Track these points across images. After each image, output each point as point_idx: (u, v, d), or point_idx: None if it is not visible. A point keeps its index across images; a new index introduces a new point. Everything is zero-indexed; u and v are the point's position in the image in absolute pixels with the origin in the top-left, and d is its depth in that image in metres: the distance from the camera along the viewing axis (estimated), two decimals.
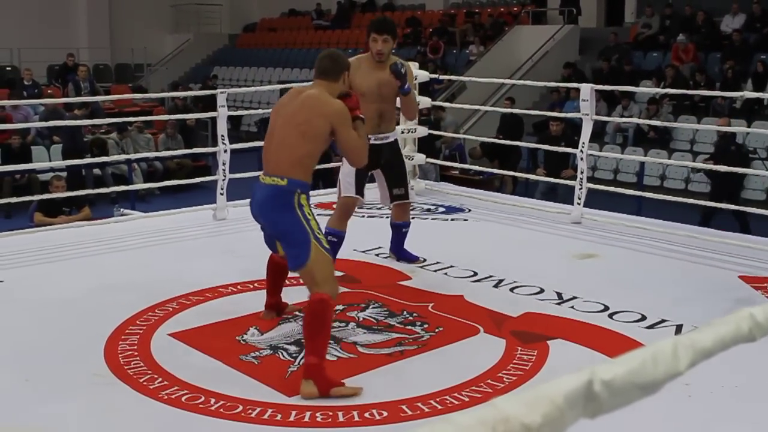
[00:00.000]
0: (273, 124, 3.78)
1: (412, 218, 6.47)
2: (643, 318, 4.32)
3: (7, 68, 18.70)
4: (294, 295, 4.39)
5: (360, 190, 4.98)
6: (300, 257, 3.52)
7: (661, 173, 13.07)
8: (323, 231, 4.05)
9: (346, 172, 4.94)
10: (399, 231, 5.34)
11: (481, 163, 12.69)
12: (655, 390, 0.99)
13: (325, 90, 3.75)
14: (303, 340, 3.57)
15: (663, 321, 4.27)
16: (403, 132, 7.48)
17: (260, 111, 11.48)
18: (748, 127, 12.08)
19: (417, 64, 7.60)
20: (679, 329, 4.19)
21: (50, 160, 12.53)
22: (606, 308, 4.47)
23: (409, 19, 21.38)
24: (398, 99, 5.08)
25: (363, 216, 6.64)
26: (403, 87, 4.81)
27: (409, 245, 5.44)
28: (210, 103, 7.66)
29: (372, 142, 4.79)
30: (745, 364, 3.16)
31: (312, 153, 3.65)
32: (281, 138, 3.67)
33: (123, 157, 10.68)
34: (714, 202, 7.83)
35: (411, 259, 5.34)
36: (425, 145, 9.47)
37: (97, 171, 12.71)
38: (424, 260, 5.34)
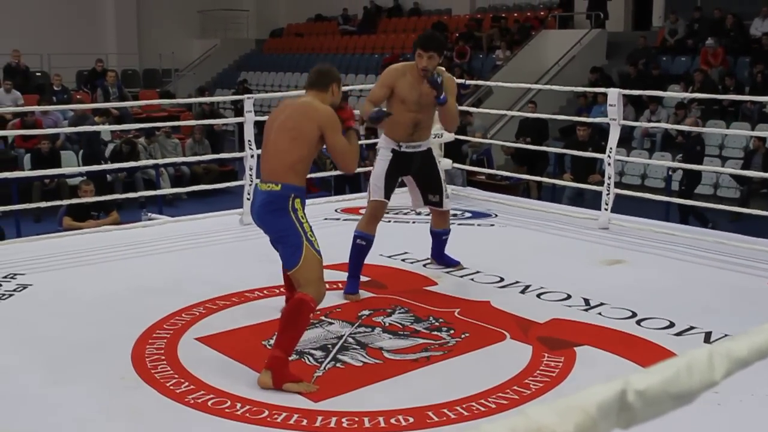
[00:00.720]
0: (267, 134, 3.88)
1: None
2: (672, 325, 4.28)
3: (37, 74, 18.87)
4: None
5: (389, 194, 4.98)
6: (293, 259, 3.66)
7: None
8: (356, 233, 4.86)
9: (376, 176, 4.96)
10: (439, 239, 5.32)
11: (508, 168, 12.65)
12: (690, 400, 0.98)
13: (315, 98, 3.87)
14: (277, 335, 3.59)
15: (692, 328, 4.23)
16: (434, 137, 7.48)
17: None
18: None
19: (443, 69, 7.58)
20: (708, 336, 4.14)
21: (79, 165, 12.63)
22: (634, 315, 4.43)
23: (435, 24, 21.34)
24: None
25: (389, 221, 6.64)
26: (438, 98, 4.76)
27: None
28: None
29: (404, 149, 4.94)
30: None
31: (303, 158, 3.75)
32: (274, 145, 3.79)
33: (151, 162, 10.73)
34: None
35: (451, 263, 5.33)
36: (452, 150, 9.45)
37: (123, 173, 12.80)
38: (459, 266, 5.34)
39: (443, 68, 5.03)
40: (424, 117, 4.93)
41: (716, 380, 1.01)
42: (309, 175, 9.32)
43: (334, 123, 3.78)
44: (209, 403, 3.34)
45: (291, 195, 3.68)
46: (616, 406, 0.91)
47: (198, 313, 4.43)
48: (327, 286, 4.86)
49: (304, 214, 3.72)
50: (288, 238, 3.68)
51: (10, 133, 12.15)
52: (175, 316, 4.36)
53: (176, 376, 3.61)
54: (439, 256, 5.37)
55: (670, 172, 11.55)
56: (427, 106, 4.90)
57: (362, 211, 7.01)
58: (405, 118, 4.87)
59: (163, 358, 3.81)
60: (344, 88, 10.65)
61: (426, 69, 4.77)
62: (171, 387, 3.49)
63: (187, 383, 3.53)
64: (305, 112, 3.78)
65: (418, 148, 4.98)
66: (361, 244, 4.85)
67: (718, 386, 1.06)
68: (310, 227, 3.72)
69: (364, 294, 4.80)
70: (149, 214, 7.59)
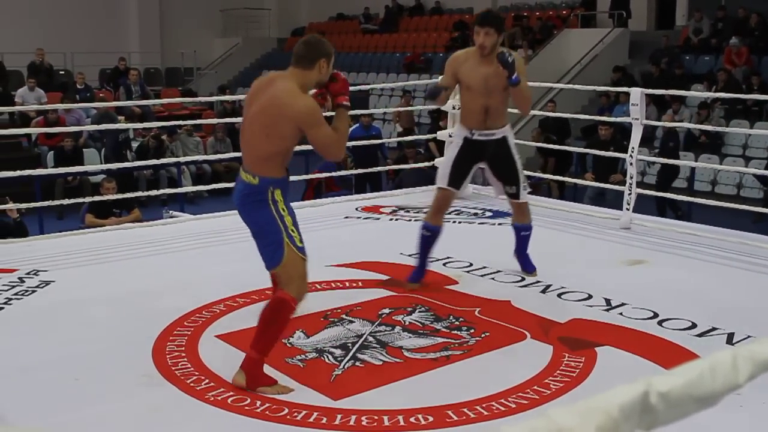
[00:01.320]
0: (245, 115, 3.61)
1: (459, 222, 6.46)
2: (694, 326, 4.25)
3: (61, 72, 19.01)
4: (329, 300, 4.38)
5: (455, 182, 4.84)
6: (274, 258, 3.52)
7: (712, 178, 12.86)
8: (422, 223, 4.90)
9: (444, 163, 4.91)
10: (518, 234, 5.12)
11: (529, 167, 12.58)
12: (713, 403, 0.97)
13: (296, 82, 3.50)
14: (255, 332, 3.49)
15: (713, 329, 4.20)
16: (450, 135, 7.47)
17: None
18: None
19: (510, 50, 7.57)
20: (730, 338, 4.11)
21: (101, 163, 12.71)
22: (655, 315, 4.41)
23: (456, 23, 21.32)
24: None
25: (410, 220, 6.64)
26: (510, 77, 4.54)
27: (454, 249, 5.41)
28: None
29: (476, 137, 4.78)
30: None
31: (280, 151, 3.50)
32: (249, 136, 3.55)
33: (172, 159, 10.78)
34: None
35: (526, 267, 5.15)
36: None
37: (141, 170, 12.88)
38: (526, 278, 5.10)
39: (510, 49, 4.77)
40: (494, 102, 4.70)
41: (740, 383, 1.00)
42: (330, 174, 9.28)
43: (313, 118, 3.45)
44: (229, 401, 3.35)
45: (269, 188, 3.49)
46: (638, 408, 0.90)
47: (218, 311, 4.44)
48: (347, 284, 4.90)
49: (286, 206, 3.51)
50: (268, 234, 3.51)
51: (33, 130, 12.25)
52: (196, 313, 4.38)
53: (197, 373, 3.62)
54: (518, 254, 5.17)
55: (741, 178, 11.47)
56: (495, 90, 4.70)
57: (383, 210, 7.03)
58: (474, 104, 4.73)
59: (183, 355, 3.82)
60: (365, 87, 10.66)
61: (483, 46, 4.60)
62: (192, 384, 3.51)
63: (207, 380, 3.54)
64: (280, 109, 3.43)
65: (492, 136, 4.78)
66: (425, 234, 4.85)
67: (741, 388, 1.05)
68: (293, 220, 3.52)
69: (384, 293, 4.80)
70: (170, 211, 7.62)
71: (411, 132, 13.86)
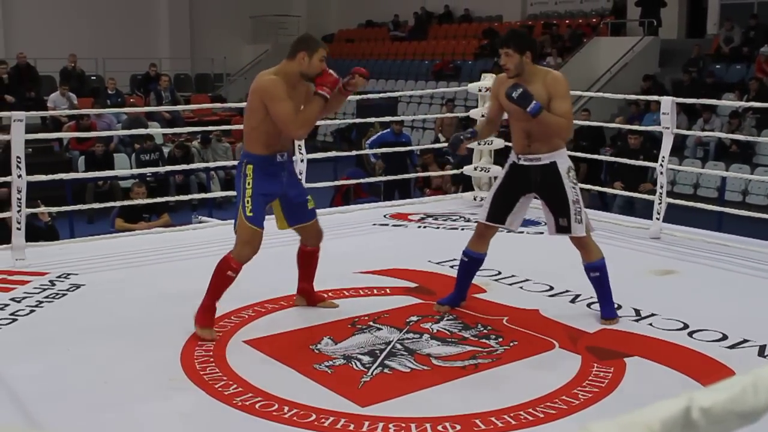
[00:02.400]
0: None
1: None
2: (725, 337, 4.20)
3: (92, 78, 19.21)
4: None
5: (496, 214, 4.46)
6: (234, 220, 4.14)
7: (743, 188, 12.74)
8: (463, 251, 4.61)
9: (489, 193, 4.58)
10: (588, 276, 4.48)
11: None
12: (755, 419, 0.95)
13: (278, 68, 4.08)
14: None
15: (745, 341, 4.15)
16: (479, 144, 7.46)
17: (336, 121, 11.55)
18: None
19: (494, 76, 7.55)
20: (762, 350, 4.06)
21: (132, 168, 12.82)
22: (685, 326, 4.37)
23: (486, 31, 21.30)
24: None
25: (438, 228, 6.63)
26: (526, 110, 4.15)
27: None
28: None
29: (521, 162, 4.38)
30: None
31: (254, 126, 4.05)
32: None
33: (202, 165, 10.85)
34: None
35: (606, 313, 4.46)
36: (505, 157, 9.39)
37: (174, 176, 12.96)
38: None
39: (549, 68, 4.48)
40: (535, 125, 4.23)
41: None
42: (358, 180, 9.33)
43: (271, 93, 3.94)
44: (257, 406, 3.36)
45: (244, 161, 4.09)
46: (680, 423, 0.89)
47: (247, 316, 4.46)
48: (375, 291, 4.89)
49: (252, 180, 4.05)
50: (237, 199, 4.13)
51: (65, 135, 12.37)
52: (224, 318, 4.39)
53: (225, 378, 3.63)
54: (600, 300, 4.51)
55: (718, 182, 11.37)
56: None
57: (411, 217, 7.03)
58: (516, 128, 4.39)
59: (211, 359, 3.84)
60: (394, 94, 10.69)
61: (506, 67, 4.29)
62: (219, 389, 3.52)
63: (235, 385, 3.55)
64: (253, 86, 4.04)
65: (537, 161, 4.32)
66: (463, 260, 4.62)
67: None
68: (252, 194, 4.05)
69: (412, 300, 4.79)
70: (199, 216, 7.67)
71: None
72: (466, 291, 4.70)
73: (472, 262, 4.61)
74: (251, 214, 4.04)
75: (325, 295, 4.70)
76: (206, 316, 4.11)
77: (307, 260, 4.57)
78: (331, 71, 4.10)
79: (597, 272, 4.43)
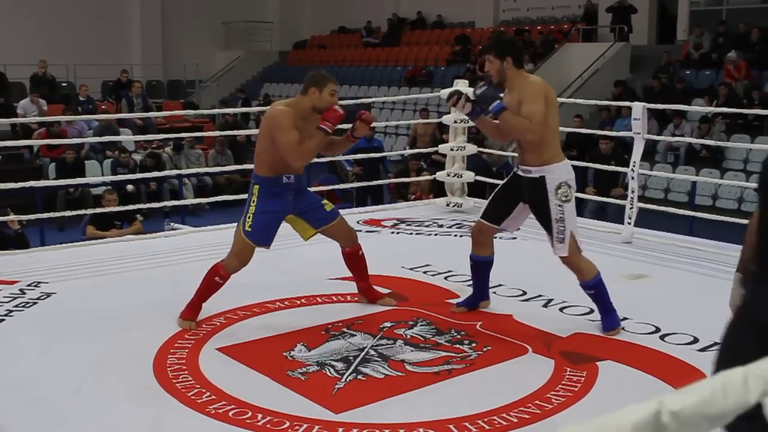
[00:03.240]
0: None
1: (460, 236, 6.45)
2: (696, 340, 4.24)
3: (63, 84, 19.05)
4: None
5: (492, 216, 4.45)
6: (235, 231, 4.48)
7: (713, 193, 12.88)
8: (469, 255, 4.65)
9: (493, 193, 4.58)
10: (587, 294, 4.45)
11: None
12: (724, 421, 0.96)
13: (294, 101, 4.42)
14: None
15: (715, 344, 4.15)
16: (451, 149, 7.48)
17: None
18: None
19: (466, 81, 7.59)
20: None
21: (103, 175, 12.73)
22: (657, 330, 4.40)
23: (458, 37, 21.40)
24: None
25: (411, 234, 6.64)
26: (488, 111, 4.20)
27: (456, 263, 5.39)
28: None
29: (518, 171, 4.33)
30: None
31: (262, 151, 4.39)
32: None
33: (174, 172, 10.79)
34: None
35: (606, 325, 4.38)
36: (478, 163, 9.40)
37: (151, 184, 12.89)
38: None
39: (527, 74, 4.32)
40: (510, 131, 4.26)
41: (751, 402, 0.99)
42: (331, 187, 9.34)
43: (278, 122, 4.25)
44: (230, 414, 3.34)
45: (252, 181, 4.45)
46: (650, 426, 0.89)
47: (219, 323, 4.44)
48: (348, 297, 4.89)
49: (256, 199, 4.38)
50: (242, 214, 4.45)
51: (35, 142, 12.26)
52: (197, 326, 4.37)
53: (198, 386, 3.61)
54: (600, 312, 4.44)
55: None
56: None
57: (384, 223, 7.03)
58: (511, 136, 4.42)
59: (184, 367, 3.82)
60: (366, 100, 10.72)
61: (489, 74, 4.27)
62: (192, 397, 3.50)
63: (208, 393, 3.53)
64: (266, 113, 4.40)
65: (528, 173, 4.24)
66: (471, 263, 4.68)
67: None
68: (255, 212, 4.37)
69: (386, 306, 4.79)
70: (172, 224, 7.63)
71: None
72: (481, 292, 4.74)
73: (476, 265, 4.67)
74: (249, 230, 4.37)
75: (385, 292, 4.88)
76: (190, 312, 4.44)
77: (352, 261, 4.74)
78: (337, 107, 4.36)
79: (592, 290, 4.37)
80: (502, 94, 4.24)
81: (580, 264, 4.34)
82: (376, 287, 4.93)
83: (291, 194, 4.43)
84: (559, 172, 4.21)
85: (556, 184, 4.19)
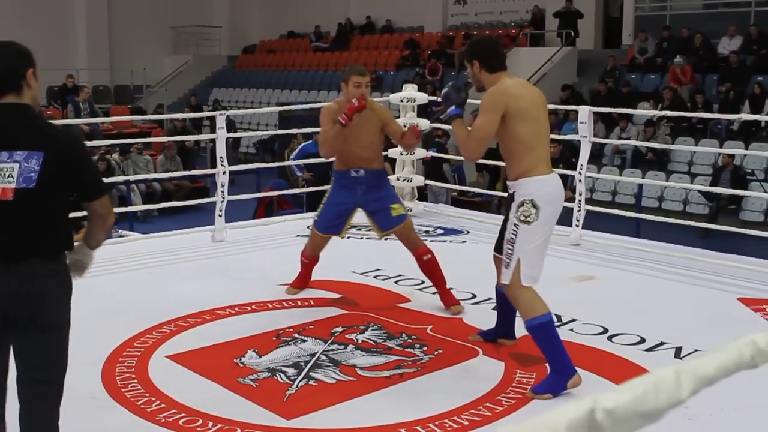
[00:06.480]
0: None
1: None
2: (642, 340, 4.31)
3: None
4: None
5: (497, 245, 4.06)
6: None
7: (659, 195, 13.08)
8: None
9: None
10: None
11: (480, 185, 12.70)
12: (657, 418, 0.99)
13: (342, 98, 4.84)
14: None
15: (662, 343, 4.26)
16: (401, 154, 7.51)
17: (259, 133, 11.48)
18: (746, 148, 12.13)
19: (415, 86, 7.62)
20: (678, 352, 4.18)
21: None
22: (605, 331, 4.46)
23: (407, 41, 21.45)
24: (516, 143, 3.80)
25: (361, 238, 6.64)
26: (431, 116, 4.15)
27: (406, 266, 5.41)
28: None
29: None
30: (745, 387, 3.15)
31: None
32: None
33: (122, 178, 10.67)
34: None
35: (537, 388, 3.67)
36: (434, 168, 9.45)
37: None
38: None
39: (501, 81, 3.83)
40: (501, 147, 3.87)
41: (683, 398, 1.02)
42: (282, 192, 9.32)
43: (321, 118, 4.71)
44: (181, 422, 3.32)
45: (332, 176, 4.94)
46: (585, 424, 0.92)
47: (169, 331, 4.40)
48: (299, 303, 4.89)
49: (329, 191, 4.89)
50: None
51: None
52: (146, 333, 4.33)
53: (147, 394, 3.58)
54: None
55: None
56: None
57: None
58: None
59: (133, 376, 3.78)
60: (316, 105, 10.83)
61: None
62: (142, 406, 3.47)
63: (158, 402, 3.50)
64: None
65: (511, 188, 3.83)
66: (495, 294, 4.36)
67: (688, 400, 1.08)
68: (325, 202, 4.87)
69: (336, 311, 4.79)
70: (120, 231, 7.54)
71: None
72: (506, 328, 4.26)
73: (498, 296, 4.26)
74: (316, 219, 4.90)
75: (457, 300, 4.87)
76: (297, 281, 5.08)
77: (422, 267, 4.84)
78: (354, 99, 4.58)
79: (532, 334, 3.73)
80: (464, 96, 3.94)
81: (518, 299, 3.73)
82: (327, 293, 4.93)
83: (361, 188, 4.74)
84: (528, 188, 3.69)
85: (520, 201, 3.68)
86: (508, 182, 3.83)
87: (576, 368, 3.61)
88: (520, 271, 3.67)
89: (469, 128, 3.84)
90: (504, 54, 3.96)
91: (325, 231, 4.88)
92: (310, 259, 5.05)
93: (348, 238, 6.72)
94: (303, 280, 5.12)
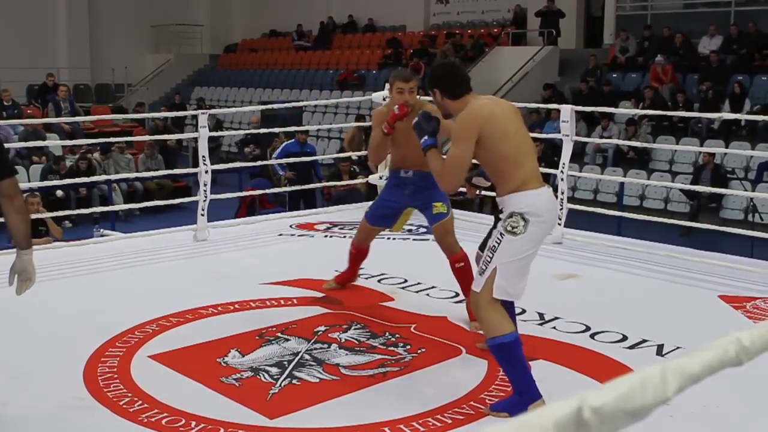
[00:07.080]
0: None
1: (393, 239, 6.47)
2: (624, 338, 4.33)
3: None
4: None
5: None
6: None
7: (640, 193, 13.15)
8: None
9: None
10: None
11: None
12: (643, 416, 0.99)
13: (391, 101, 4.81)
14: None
15: (644, 341, 4.28)
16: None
17: (241, 132, 11.46)
18: (726, 147, 12.22)
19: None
20: (660, 349, 4.20)
21: (29, 180, 12.44)
22: (587, 328, 4.48)
23: (389, 40, 21.47)
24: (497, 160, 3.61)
25: (344, 237, 6.64)
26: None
27: (389, 265, 5.42)
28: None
29: None
30: (727, 384, 3.17)
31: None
32: None
33: (103, 177, 10.62)
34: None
35: (500, 402, 3.55)
36: None
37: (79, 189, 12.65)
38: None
39: (470, 102, 3.61)
40: (482, 163, 3.74)
41: (669, 396, 1.03)
42: (264, 191, 9.31)
43: (372, 123, 4.80)
44: (163, 422, 3.30)
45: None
46: (572, 423, 0.92)
47: (151, 331, 4.38)
48: (282, 302, 4.88)
49: (384, 187, 5.12)
50: None
51: None
52: (128, 333, 4.30)
53: (129, 394, 3.56)
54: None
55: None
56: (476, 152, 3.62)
57: (317, 227, 7.02)
58: None
59: (116, 376, 3.76)
60: (298, 104, 10.76)
61: None
62: (124, 406, 3.45)
63: (140, 402, 3.48)
64: None
65: (500, 205, 3.64)
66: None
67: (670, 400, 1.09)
68: (378, 197, 5.10)
69: (319, 310, 4.78)
70: (101, 230, 7.50)
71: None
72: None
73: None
74: (368, 210, 5.04)
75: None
76: (339, 277, 5.17)
77: (454, 274, 4.71)
78: (396, 107, 4.52)
79: (494, 352, 3.53)
80: (436, 124, 3.77)
81: (483, 314, 3.48)
82: (310, 291, 4.92)
83: (409, 188, 4.77)
84: (519, 203, 3.49)
85: (508, 213, 3.49)
86: (497, 198, 3.62)
87: (541, 394, 3.38)
88: (494, 281, 3.44)
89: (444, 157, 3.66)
90: (466, 76, 3.73)
91: (373, 222, 4.95)
92: (357, 249, 5.06)
93: (330, 237, 6.72)
94: (348, 277, 5.17)
